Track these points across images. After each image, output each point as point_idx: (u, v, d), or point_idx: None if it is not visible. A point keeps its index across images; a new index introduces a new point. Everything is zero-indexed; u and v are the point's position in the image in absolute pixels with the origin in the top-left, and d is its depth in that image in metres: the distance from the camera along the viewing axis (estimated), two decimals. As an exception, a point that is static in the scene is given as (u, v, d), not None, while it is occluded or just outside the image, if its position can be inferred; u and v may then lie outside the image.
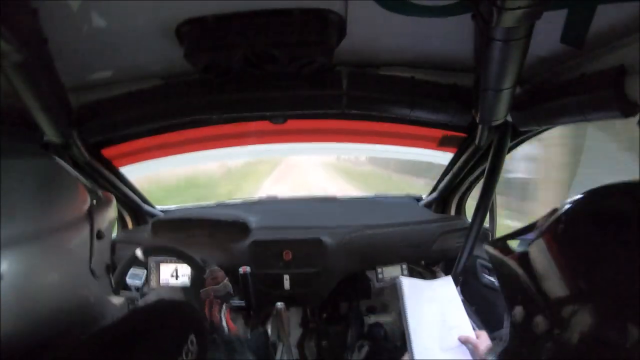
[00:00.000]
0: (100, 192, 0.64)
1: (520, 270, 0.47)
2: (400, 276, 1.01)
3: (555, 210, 0.47)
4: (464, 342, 0.90)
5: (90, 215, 0.56)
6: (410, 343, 0.90)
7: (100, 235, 0.58)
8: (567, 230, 0.43)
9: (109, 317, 0.59)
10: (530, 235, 0.49)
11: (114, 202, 0.66)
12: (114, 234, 1.86)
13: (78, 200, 0.56)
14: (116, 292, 0.65)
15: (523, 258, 0.48)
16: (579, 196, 0.45)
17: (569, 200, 0.46)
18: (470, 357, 0.89)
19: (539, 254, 0.45)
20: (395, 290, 1.70)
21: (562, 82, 0.99)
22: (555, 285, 0.42)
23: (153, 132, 1.52)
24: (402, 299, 0.98)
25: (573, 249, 0.42)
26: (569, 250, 0.42)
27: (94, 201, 0.59)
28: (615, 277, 0.36)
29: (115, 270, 1.28)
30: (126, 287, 1.44)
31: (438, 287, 1.06)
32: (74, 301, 0.53)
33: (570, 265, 0.41)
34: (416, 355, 0.88)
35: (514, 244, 0.53)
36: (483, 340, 0.90)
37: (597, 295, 0.37)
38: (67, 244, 0.52)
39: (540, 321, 0.42)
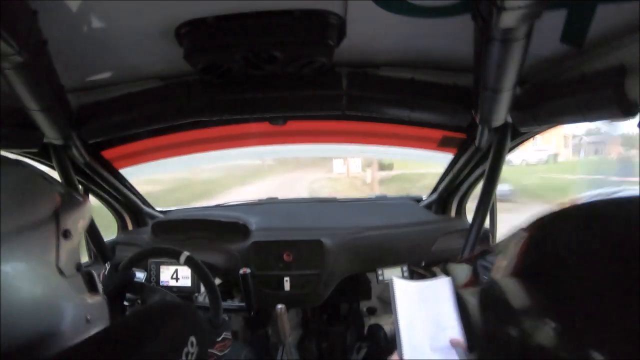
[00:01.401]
0: (73, 193, 0.65)
1: (477, 306, 0.47)
2: (393, 277, 1.02)
3: (517, 232, 0.46)
4: (455, 345, 0.91)
5: (57, 216, 0.57)
6: (399, 342, 0.90)
7: (67, 235, 0.58)
8: (528, 255, 0.43)
9: (81, 316, 0.59)
10: (490, 259, 0.48)
11: (88, 204, 0.68)
12: (115, 236, 1.87)
13: (43, 202, 0.57)
14: (93, 290, 0.65)
15: (482, 293, 0.47)
16: (539, 217, 0.44)
17: (531, 220, 0.45)
18: (460, 359, 0.89)
19: (494, 287, 0.45)
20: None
21: (562, 82, 0.99)
22: (515, 309, 0.41)
23: (153, 133, 1.52)
24: (393, 298, 0.97)
25: (531, 276, 0.41)
26: (530, 271, 0.41)
27: (62, 202, 0.60)
28: (575, 297, 0.36)
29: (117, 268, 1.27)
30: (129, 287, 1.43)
31: (432, 287, 1.04)
32: (41, 299, 0.53)
33: (529, 296, 0.40)
34: (405, 354, 0.87)
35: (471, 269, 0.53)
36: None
37: (559, 316, 0.36)
38: (32, 244, 0.53)
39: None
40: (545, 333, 0.36)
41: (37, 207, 0.56)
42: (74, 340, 0.54)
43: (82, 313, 0.59)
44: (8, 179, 0.54)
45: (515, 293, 0.42)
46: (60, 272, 0.56)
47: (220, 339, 1.19)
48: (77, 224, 0.62)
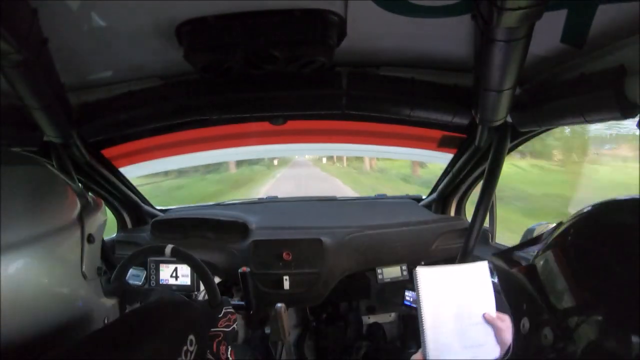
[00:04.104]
0: (90, 197, 0.65)
1: (526, 282, 0.48)
2: (419, 267, 0.89)
3: (561, 223, 0.47)
4: (490, 321, 0.84)
5: (81, 220, 0.58)
6: (424, 340, 0.83)
7: (90, 239, 0.60)
8: (575, 242, 0.44)
9: (100, 318, 0.61)
10: (536, 248, 0.49)
11: (103, 206, 0.69)
12: (114, 235, 1.87)
13: (69, 206, 0.58)
14: (107, 294, 0.68)
15: (529, 270, 0.48)
16: (587, 209, 0.45)
17: (576, 212, 0.46)
18: (495, 351, 0.83)
19: (546, 266, 0.46)
20: (394, 289, 1.71)
21: (562, 82, 0.99)
22: (561, 297, 0.42)
23: (152, 132, 1.52)
24: (418, 290, 0.87)
25: (580, 261, 0.42)
26: (575, 262, 0.42)
27: (84, 206, 0.61)
28: (621, 290, 0.37)
29: (113, 270, 1.26)
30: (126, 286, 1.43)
31: (466, 274, 0.91)
32: (66, 303, 0.55)
33: (576, 277, 0.41)
34: (431, 354, 0.82)
35: (519, 256, 0.54)
36: (507, 325, 0.84)
37: (603, 306, 0.37)
38: (59, 248, 0.54)
39: (547, 333, 0.43)
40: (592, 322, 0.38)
41: (63, 211, 0.56)
42: None
43: (102, 315, 0.62)
44: (32, 181, 0.54)
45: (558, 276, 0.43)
46: (84, 275, 0.58)
47: (221, 314, 1.18)
48: (98, 228, 0.63)
